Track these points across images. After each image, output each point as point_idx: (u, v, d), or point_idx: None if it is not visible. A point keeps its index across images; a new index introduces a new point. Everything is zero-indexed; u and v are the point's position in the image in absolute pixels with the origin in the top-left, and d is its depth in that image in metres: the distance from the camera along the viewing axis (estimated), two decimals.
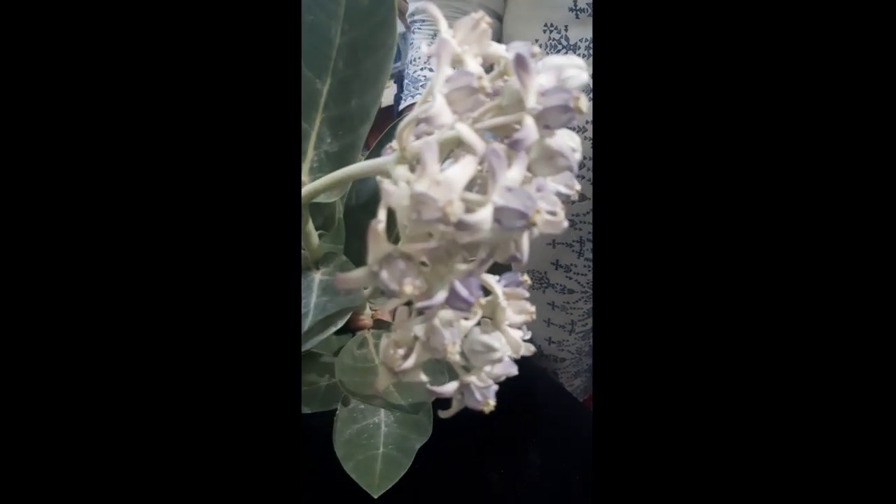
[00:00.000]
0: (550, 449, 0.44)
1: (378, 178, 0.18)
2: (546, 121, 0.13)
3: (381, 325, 0.33)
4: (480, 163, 0.14)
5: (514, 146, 0.13)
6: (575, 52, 0.52)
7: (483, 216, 0.12)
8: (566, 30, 0.51)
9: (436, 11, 0.14)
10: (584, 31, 0.51)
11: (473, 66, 0.14)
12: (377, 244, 0.13)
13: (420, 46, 0.55)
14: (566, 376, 0.68)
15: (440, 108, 0.13)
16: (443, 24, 0.14)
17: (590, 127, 0.53)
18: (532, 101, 0.13)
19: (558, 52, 0.52)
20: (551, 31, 0.52)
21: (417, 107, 0.15)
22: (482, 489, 0.41)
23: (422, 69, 0.54)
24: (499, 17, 0.57)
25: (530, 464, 0.43)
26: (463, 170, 0.13)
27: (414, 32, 0.56)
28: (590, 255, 0.58)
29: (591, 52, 0.51)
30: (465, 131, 0.13)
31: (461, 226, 0.12)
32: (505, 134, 0.15)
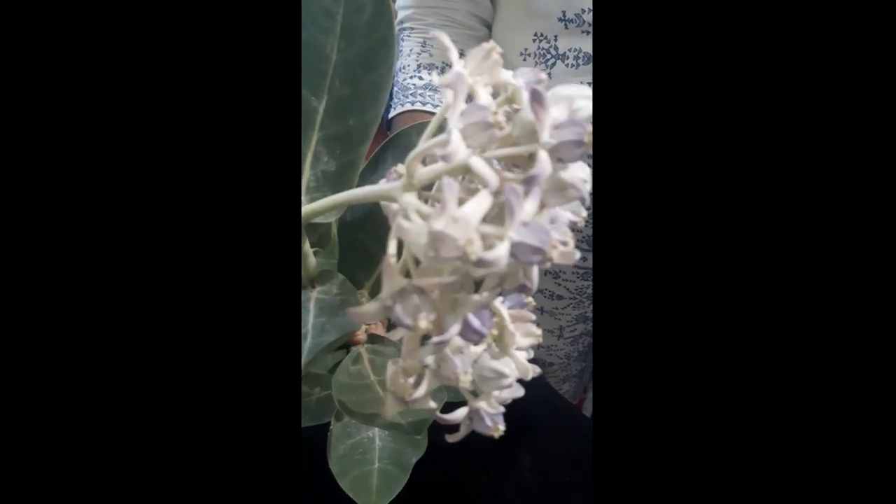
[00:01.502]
0: (546, 454, 0.44)
1: (384, 204, 0.18)
2: (560, 154, 0.13)
3: (375, 340, 0.33)
4: (494, 195, 0.14)
5: (530, 181, 0.13)
6: (563, 62, 0.52)
7: (500, 253, 0.12)
8: (556, 39, 0.51)
9: (447, 41, 0.14)
10: (572, 41, 0.51)
11: (486, 97, 0.14)
12: (391, 279, 0.13)
13: (409, 54, 0.55)
14: (554, 381, 0.68)
15: (457, 145, 0.13)
16: (454, 55, 0.14)
17: None
18: (547, 136, 0.13)
19: (547, 61, 0.53)
20: (541, 41, 0.52)
21: (426, 137, 0.15)
22: (479, 497, 0.41)
23: (411, 77, 0.53)
24: (488, 26, 0.57)
25: (526, 469, 0.43)
26: (479, 205, 0.13)
27: (403, 40, 0.56)
28: (578, 262, 0.59)
29: (578, 61, 0.51)
30: (481, 166, 0.13)
31: (480, 263, 0.12)
32: (514, 163, 0.15)
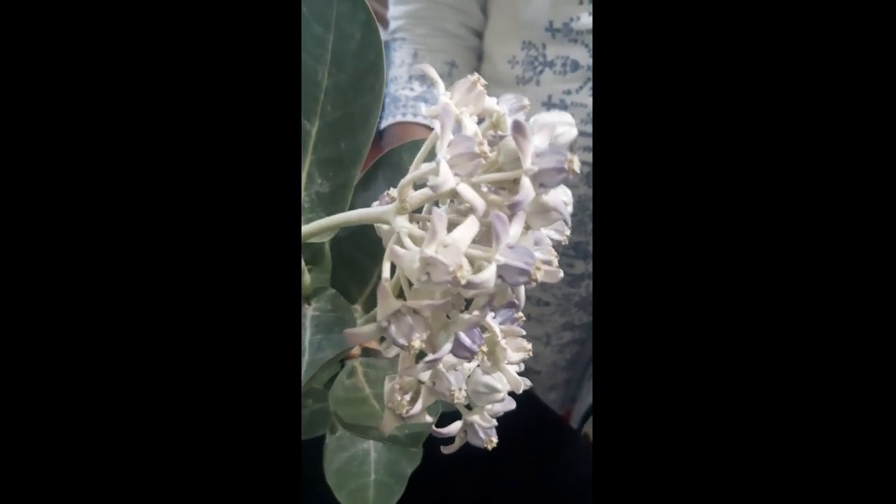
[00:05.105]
0: (536, 465, 0.45)
1: (376, 224, 0.18)
2: (542, 180, 0.14)
3: (368, 353, 0.33)
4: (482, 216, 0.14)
5: (514, 207, 0.13)
6: (551, 69, 0.53)
7: (488, 275, 0.13)
8: (544, 48, 0.53)
9: (433, 73, 0.15)
10: (559, 50, 0.52)
11: (472, 127, 0.15)
12: (386, 301, 0.14)
13: (401, 65, 0.56)
14: (541, 390, 0.68)
15: (445, 176, 0.13)
16: (440, 87, 0.15)
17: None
18: (529, 163, 0.14)
19: (535, 67, 0.54)
20: (529, 49, 0.53)
21: (417, 163, 0.16)
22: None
23: (402, 88, 0.54)
24: (479, 35, 0.58)
25: (515, 480, 0.43)
26: (467, 230, 0.13)
27: (395, 51, 0.57)
28: (564, 268, 0.60)
29: (566, 68, 0.53)
30: (468, 193, 0.14)
31: (469, 286, 0.13)
32: (500, 187, 0.16)
